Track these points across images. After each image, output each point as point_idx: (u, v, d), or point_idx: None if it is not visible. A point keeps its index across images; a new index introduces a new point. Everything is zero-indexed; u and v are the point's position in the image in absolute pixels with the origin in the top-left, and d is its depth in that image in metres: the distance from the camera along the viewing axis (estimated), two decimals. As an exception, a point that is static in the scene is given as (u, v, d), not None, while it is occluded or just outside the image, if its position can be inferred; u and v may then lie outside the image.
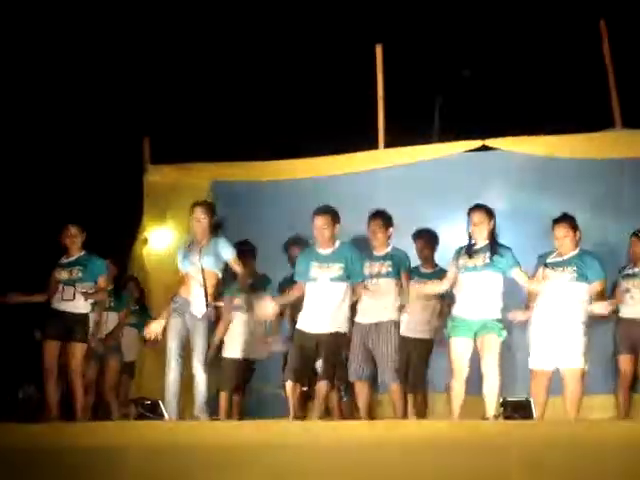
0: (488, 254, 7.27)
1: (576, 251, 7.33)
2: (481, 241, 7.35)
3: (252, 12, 11.10)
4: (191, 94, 11.02)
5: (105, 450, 4.97)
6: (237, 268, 7.70)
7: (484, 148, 9.02)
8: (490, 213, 7.38)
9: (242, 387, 8.40)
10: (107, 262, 8.38)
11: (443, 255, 8.19)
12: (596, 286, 7.25)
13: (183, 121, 10.95)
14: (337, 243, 7.53)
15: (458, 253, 7.43)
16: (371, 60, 9.51)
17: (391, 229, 7.80)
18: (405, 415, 7.66)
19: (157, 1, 10.98)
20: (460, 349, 7.30)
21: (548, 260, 7.36)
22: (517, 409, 6.66)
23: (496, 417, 6.96)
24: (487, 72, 10.63)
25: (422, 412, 8.05)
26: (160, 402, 7.33)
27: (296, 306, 7.84)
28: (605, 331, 8.04)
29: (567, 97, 10.19)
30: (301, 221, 8.89)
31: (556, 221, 7.37)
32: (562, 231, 7.31)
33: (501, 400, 6.91)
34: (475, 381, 7.33)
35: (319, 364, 7.50)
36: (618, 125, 8.96)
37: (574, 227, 7.32)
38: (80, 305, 8.07)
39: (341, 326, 7.44)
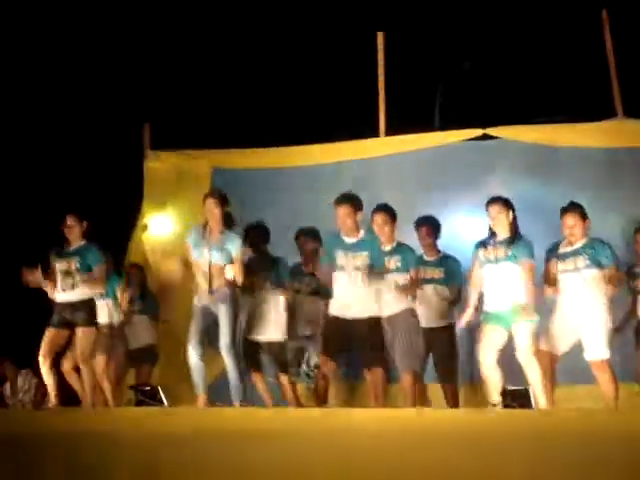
0: (510, 245, 7.31)
1: (585, 239, 7.31)
2: (502, 233, 7.38)
3: (255, 2, 11.08)
4: (192, 80, 11.00)
5: (103, 436, 4.97)
6: (237, 267, 7.67)
7: (485, 136, 9.02)
8: (508, 205, 7.40)
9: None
10: (106, 252, 8.35)
11: (445, 242, 8.22)
12: (610, 271, 7.22)
13: (184, 107, 10.92)
14: (362, 232, 7.52)
15: (477, 248, 7.48)
16: (372, 48, 9.49)
17: (396, 222, 7.82)
18: (414, 405, 7.66)
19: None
20: (493, 333, 7.30)
21: (560, 251, 7.35)
22: (516, 398, 6.68)
23: (494, 406, 6.98)
24: (489, 61, 10.61)
25: (455, 404, 7.96)
26: (159, 388, 7.34)
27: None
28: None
29: (569, 86, 10.18)
30: (302, 208, 8.93)
31: (565, 210, 7.35)
32: (571, 220, 7.30)
33: (500, 389, 6.93)
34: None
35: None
36: (620, 114, 8.95)
37: (583, 215, 7.31)
38: (81, 292, 8.08)
39: (375, 311, 7.43)
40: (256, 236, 8.03)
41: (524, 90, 10.22)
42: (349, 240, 7.47)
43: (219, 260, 7.60)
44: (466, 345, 8.09)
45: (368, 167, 9.28)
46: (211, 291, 7.55)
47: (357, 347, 7.46)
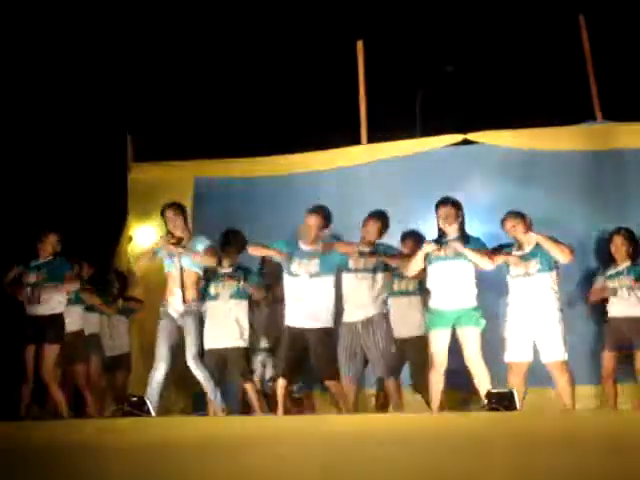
0: (459, 244, 7.38)
1: (533, 244, 7.41)
2: (452, 233, 7.44)
3: (233, 11, 11.11)
4: (173, 93, 11.03)
5: (89, 447, 4.97)
6: (207, 260, 7.72)
7: (466, 142, 9.07)
8: (458, 206, 7.47)
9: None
10: (74, 262, 8.39)
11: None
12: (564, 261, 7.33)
13: (165, 119, 10.94)
14: (320, 245, 7.56)
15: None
16: (352, 56, 9.54)
17: (385, 231, 7.91)
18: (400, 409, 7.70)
19: (140, 3, 10.96)
20: (439, 342, 7.36)
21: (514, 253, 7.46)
22: (501, 400, 6.72)
23: (481, 408, 7.01)
24: (468, 67, 10.67)
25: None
26: (146, 398, 7.35)
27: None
28: (588, 324, 8.13)
29: (548, 91, 10.25)
30: (283, 216, 8.95)
31: (502, 220, 7.51)
32: (509, 224, 7.41)
33: (485, 392, 6.96)
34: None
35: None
36: (598, 117, 9.02)
37: (520, 217, 7.42)
38: (50, 306, 8.12)
39: (327, 322, 7.47)
40: (233, 242, 8.06)
41: (503, 95, 10.27)
42: (306, 248, 7.54)
43: (189, 265, 7.64)
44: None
45: (350, 175, 9.31)
46: (184, 300, 7.59)
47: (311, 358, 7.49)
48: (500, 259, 7.44)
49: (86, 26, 10.88)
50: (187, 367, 7.66)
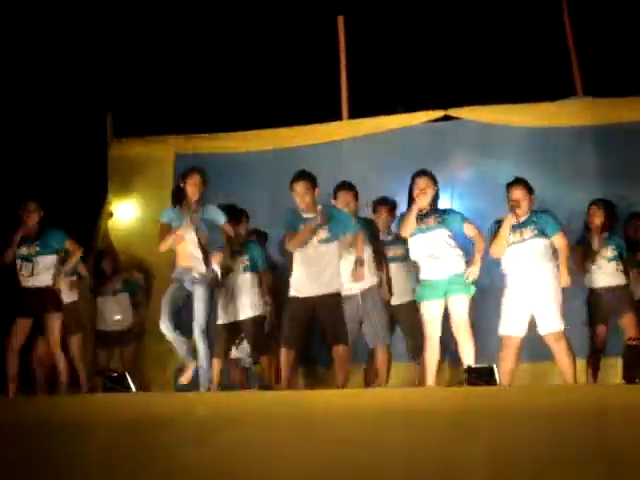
0: (436, 215, 7.41)
1: (530, 212, 7.37)
2: (427, 205, 7.44)
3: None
4: (153, 67, 10.95)
5: (72, 424, 4.98)
6: (230, 232, 7.73)
7: (447, 118, 9.08)
8: (434, 179, 7.48)
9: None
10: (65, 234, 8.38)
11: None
12: (557, 239, 7.30)
13: (145, 94, 10.88)
14: (319, 208, 7.50)
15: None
16: (333, 31, 9.52)
17: (357, 200, 7.88)
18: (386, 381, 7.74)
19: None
20: (431, 312, 7.38)
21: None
22: (481, 375, 6.74)
23: (460, 383, 7.04)
24: (450, 42, 10.64)
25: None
26: (126, 374, 7.34)
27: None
28: (576, 297, 8.16)
29: (529, 66, 10.23)
30: (265, 192, 8.96)
31: (510, 184, 7.41)
32: (517, 194, 7.35)
33: (465, 367, 6.99)
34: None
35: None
36: (580, 93, 9.04)
37: (529, 190, 7.37)
38: (43, 279, 8.10)
39: (338, 286, 7.43)
40: (235, 218, 8.09)
41: (484, 70, 10.26)
42: (308, 216, 7.44)
43: (202, 229, 7.61)
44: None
45: (331, 150, 9.32)
46: (205, 261, 7.54)
47: (318, 325, 7.46)
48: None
49: (65, 3, 10.79)
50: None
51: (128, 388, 7.24)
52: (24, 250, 8.13)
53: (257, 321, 8.04)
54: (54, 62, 10.79)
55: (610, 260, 7.97)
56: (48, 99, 10.76)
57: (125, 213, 9.89)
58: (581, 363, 8.00)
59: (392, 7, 10.82)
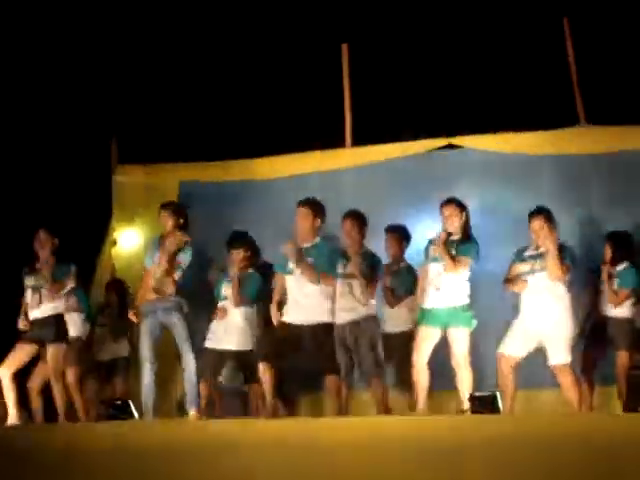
0: (454, 245, 7.45)
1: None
2: (458, 231, 7.49)
3: (216, 11, 11.10)
4: (158, 95, 10.98)
5: (75, 451, 4.97)
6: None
7: (450, 146, 9.10)
8: (461, 205, 7.52)
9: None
10: (73, 267, 8.38)
11: (413, 252, 8.29)
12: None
13: (150, 122, 10.92)
14: (317, 239, 7.54)
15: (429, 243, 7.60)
16: (337, 59, 9.56)
17: (366, 228, 7.84)
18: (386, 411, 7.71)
19: (122, 4, 10.94)
20: (426, 337, 7.38)
21: (525, 254, 7.45)
22: (484, 404, 6.73)
23: (463, 412, 7.03)
24: (453, 70, 10.67)
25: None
26: (130, 402, 7.35)
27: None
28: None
29: (532, 94, 10.26)
30: (268, 220, 8.96)
31: (531, 214, 7.44)
32: (537, 224, 7.37)
33: (468, 395, 6.98)
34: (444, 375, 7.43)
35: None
36: (582, 121, 9.05)
37: (549, 220, 7.38)
38: (48, 308, 8.11)
39: (326, 316, 7.45)
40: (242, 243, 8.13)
41: (487, 99, 10.28)
42: (302, 245, 7.46)
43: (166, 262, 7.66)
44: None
45: (335, 178, 9.33)
46: (162, 297, 7.59)
47: (308, 353, 7.44)
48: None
49: (71, 27, 10.85)
50: (171, 367, 7.66)
51: (131, 415, 7.26)
52: (32, 281, 8.16)
53: (243, 353, 8.03)
54: (60, 88, 10.84)
55: (615, 292, 7.95)
56: (53, 125, 10.80)
57: (128, 240, 9.89)
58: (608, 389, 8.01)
59: (396, 35, 10.86)
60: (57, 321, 8.16)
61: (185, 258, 7.74)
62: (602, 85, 9.74)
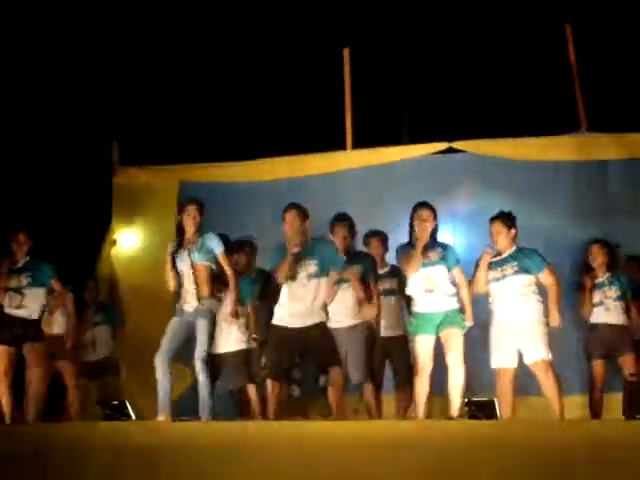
0: (439, 250, 7.42)
1: (513, 248, 7.42)
2: (427, 237, 7.43)
3: (219, 14, 11.11)
4: (158, 96, 11.00)
5: (70, 451, 4.96)
6: (225, 264, 7.68)
7: (451, 150, 9.10)
8: (434, 212, 7.47)
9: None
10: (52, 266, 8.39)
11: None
12: (545, 277, 7.33)
13: (151, 123, 10.93)
14: (309, 240, 7.52)
15: (404, 249, 7.53)
16: (339, 63, 9.57)
17: (354, 232, 7.83)
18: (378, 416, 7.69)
19: (123, 6, 10.95)
20: (423, 346, 7.37)
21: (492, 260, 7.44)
22: (481, 409, 6.72)
23: (461, 417, 7.02)
24: (455, 75, 10.69)
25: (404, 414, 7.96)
26: (126, 402, 7.33)
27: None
28: (575, 333, 8.19)
29: (533, 100, 10.27)
30: (268, 222, 8.94)
31: (492, 219, 7.46)
32: (496, 228, 7.40)
33: (466, 400, 6.97)
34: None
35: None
36: (583, 128, 9.06)
37: (509, 224, 7.40)
38: (30, 311, 8.12)
39: (323, 317, 7.43)
40: (243, 250, 8.13)
41: (488, 104, 10.29)
42: (296, 250, 7.39)
43: (200, 259, 7.60)
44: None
45: (335, 181, 9.33)
46: (198, 298, 7.55)
47: (310, 353, 7.43)
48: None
49: (72, 29, 10.86)
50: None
51: (128, 416, 7.24)
52: (14, 282, 8.15)
53: (240, 354, 8.01)
54: (61, 90, 10.85)
55: (615, 300, 8.02)
56: (54, 127, 10.81)
57: (128, 241, 9.89)
58: (581, 399, 8.03)
59: (398, 39, 10.88)
60: (36, 324, 8.17)
61: None
62: (604, 92, 9.75)
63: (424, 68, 10.76)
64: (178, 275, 7.64)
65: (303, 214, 7.43)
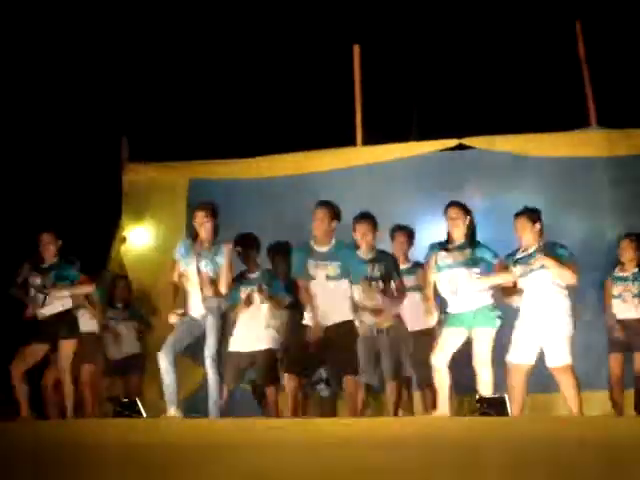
0: (469, 250, 7.36)
1: (540, 243, 7.32)
2: (459, 237, 7.40)
3: (229, 11, 11.11)
4: (168, 93, 11.01)
5: (82, 448, 4.96)
6: (222, 278, 7.60)
7: (461, 146, 9.08)
8: (466, 210, 7.44)
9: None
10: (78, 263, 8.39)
11: (422, 251, 8.25)
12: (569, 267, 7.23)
13: (161, 120, 10.93)
14: (333, 241, 7.49)
15: (433, 250, 7.49)
16: (349, 60, 9.56)
17: (376, 231, 7.79)
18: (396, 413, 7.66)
19: (132, 3, 10.96)
20: (451, 339, 7.30)
21: (517, 256, 7.37)
22: (492, 406, 6.71)
23: (471, 413, 7.01)
24: (464, 72, 10.68)
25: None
26: (137, 400, 7.33)
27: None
28: (597, 329, 8.16)
29: (544, 96, 10.26)
30: (278, 218, 8.94)
31: (516, 215, 7.38)
32: (520, 224, 7.33)
33: (477, 397, 6.95)
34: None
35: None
36: (593, 124, 9.03)
37: (534, 219, 7.33)
38: (56, 307, 8.12)
39: (348, 315, 7.42)
40: (248, 246, 8.07)
41: (499, 100, 10.28)
42: (320, 249, 7.43)
43: (207, 270, 7.58)
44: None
45: (345, 177, 9.31)
46: (203, 298, 7.52)
47: (331, 353, 7.39)
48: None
49: (81, 26, 10.87)
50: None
51: (139, 413, 7.24)
52: (38, 280, 8.16)
53: (270, 353, 8.00)
54: (71, 87, 10.86)
55: (635, 295, 7.99)
56: (64, 124, 10.83)
57: (138, 238, 9.88)
58: (601, 395, 8.00)
59: (407, 36, 10.87)
60: (69, 317, 8.16)
61: None
62: (614, 88, 9.73)
63: (434, 65, 10.75)
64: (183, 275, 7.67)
65: (333, 212, 7.41)
